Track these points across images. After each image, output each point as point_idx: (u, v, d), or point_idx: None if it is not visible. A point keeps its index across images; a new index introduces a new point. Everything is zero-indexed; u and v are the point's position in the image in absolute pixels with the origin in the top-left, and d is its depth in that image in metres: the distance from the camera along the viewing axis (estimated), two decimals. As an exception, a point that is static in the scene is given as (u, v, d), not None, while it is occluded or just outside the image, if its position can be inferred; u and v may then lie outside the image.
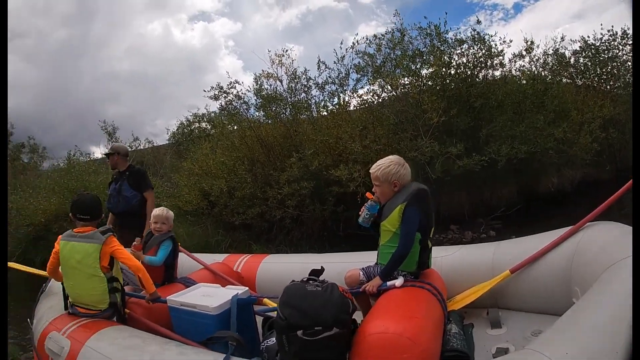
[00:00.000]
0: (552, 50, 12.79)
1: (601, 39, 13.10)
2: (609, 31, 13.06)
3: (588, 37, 13.29)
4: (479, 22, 9.68)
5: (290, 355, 2.56)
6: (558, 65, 12.84)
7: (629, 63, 12.87)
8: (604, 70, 13.05)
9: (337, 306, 2.60)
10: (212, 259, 5.23)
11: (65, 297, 3.75)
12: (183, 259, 4.92)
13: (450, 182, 8.68)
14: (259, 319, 3.65)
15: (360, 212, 3.35)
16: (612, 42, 13.08)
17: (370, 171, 3.26)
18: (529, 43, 10.38)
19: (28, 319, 4.30)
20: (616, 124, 11.57)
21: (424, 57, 9.32)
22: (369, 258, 3.61)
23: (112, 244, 3.50)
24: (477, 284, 3.46)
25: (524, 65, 11.19)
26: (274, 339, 2.97)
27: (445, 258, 3.72)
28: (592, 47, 13.12)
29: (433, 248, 3.37)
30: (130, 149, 18.31)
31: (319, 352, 2.49)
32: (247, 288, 3.65)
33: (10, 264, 5.04)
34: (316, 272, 2.99)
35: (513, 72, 10.55)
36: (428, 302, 2.89)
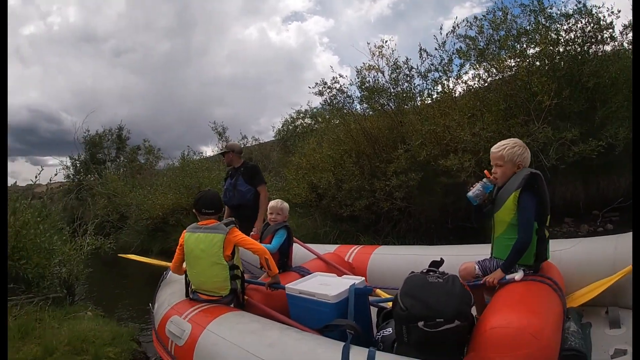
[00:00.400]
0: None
1: None
2: None
3: None
4: None
5: (409, 346, 2.62)
6: None
7: None
8: None
9: (459, 298, 2.63)
10: (324, 249, 5.38)
11: (187, 285, 4.02)
12: (296, 249, 5.12)
13: (564, 170, 8.22)
14: (373, 310, 3.70)
15: (471, 186, 3.30)
16: None
17: (493, 150, 3.25)
18: None
19: (150, 303, 4.63)
20: None
21: (529, 36, 8.82)
22: (480, 251, 3.58)
23: (235, 233, 3.87)
24: (597, 280, 3.33)
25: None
26: (390, 329, 3.03)
27: (563, 252, 3.61)
28: None
29: (554, 240, 3.28)
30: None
31: (439, 344, 2.54)
32: (363, 278, 3.76)
33: (129, 256, 5.43)
34: (436, 264, 3.02)
35: (626, 45, 9.79)
36: (549, 298, 2.83)
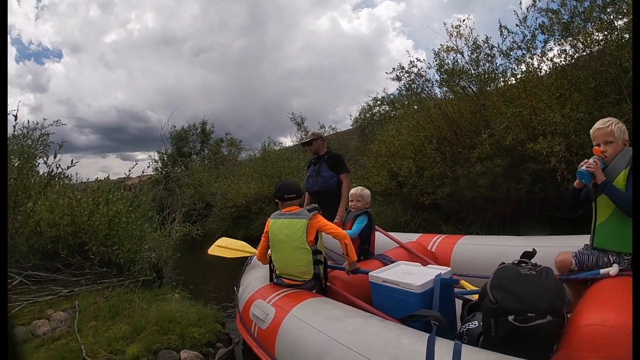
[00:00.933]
0: None
1: None
2: None
3: None
4: None
5: (497, 341, 2.48)
6: None
7: None
8: None
9: (553, 292, 2.48)
10: (406, 237, 5.34)
11: (272, 270, 4.08)
12: (378, 237, 5.09)
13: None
14: (457, 302, 3.59)
15: (584, 165, 3.02)
16: None
17: (600, 127, 3.05)
18: None
19: (235, 287, 4.72)
20: None
21: (616, 5, 8.18)
22: (574, 242, 3.35)
23: (318, 219, 3.96)
24: None
25: None
26: (476, 322, 2.90)
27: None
28: None
29: None
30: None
31: (528, 340, 2.39)
32: (449, 268, 3.64)
33: (218, 253, 5.57)
34: (528, 255, 2.87)
35: None
36: None
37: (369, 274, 3.75)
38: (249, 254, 5.54)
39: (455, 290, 3.67)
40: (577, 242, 3.27)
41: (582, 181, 3.00)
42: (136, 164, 7.84)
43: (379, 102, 19.58)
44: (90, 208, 6.73)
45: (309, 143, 6.22)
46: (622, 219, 2.81)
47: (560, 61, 8.67)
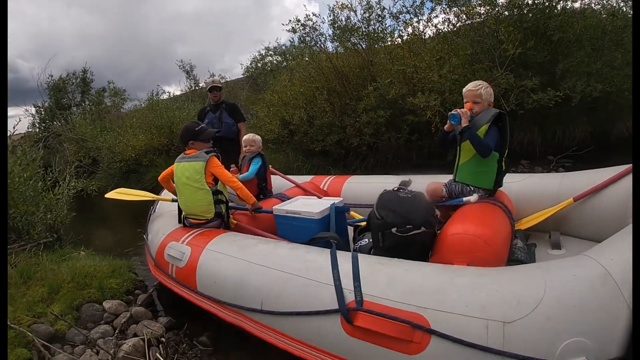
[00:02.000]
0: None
1: None
2: None
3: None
4: None
5: (384, 250, 3.10)
6: None
7: None
8: None
9: (425, 209, 3.14)
10: (301, 179, 5.76)
11: (180, 212, 4.40)
12: (275, 179, 5.50)
13: (523, 116, 8.76)
14: (349, 230, 4.11)
15: (446, 128, 3.75)
16: None
17: (470, 88, 3.68)
18: None
19: (144, 235, 4.92)
20: None
21: None
22: (444, 179, 4.01)
23: (214, 163, 4.17)
24: (543, 210, 3.87)
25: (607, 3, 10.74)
26: (365, 240, 3.50)
27: (515, 184, 4.13)
28: None
29: (508, 174, 3.81)
30: (205, 85, 19.28)
31: (408, 247, 3.01)
32: (341, 199, 4.22)
33: (115, 195, 5.46)
34: (405, 183, 3.51)
35: (593, 5, 10.17)
36: (500, 217, 3.31)
37: (273, 207, 4.17)
38: (150, 198, 5.56)
39: (348, 220, 4.27)
40: (444, 180, 3.95)
41: (452, 122, 3.61)
42: (19, 121, 7.20)
43: (270, 52, 19.74)
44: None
45: (219, 88, 6.43)
46: (479, 161, 3.54)
47: (444, 28, 9.57)
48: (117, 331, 3.56)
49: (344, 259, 2.76)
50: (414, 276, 2.45)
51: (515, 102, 8.30)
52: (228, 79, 21.50)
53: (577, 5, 9.40)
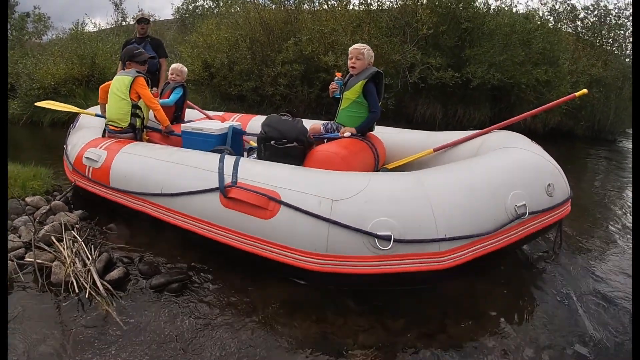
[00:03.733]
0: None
1: (615, 4, 13.85)
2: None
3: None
4: None
5: (265, 159, 3.84)
6: (566, 14, 13.43)
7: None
8: (610, 33, 13.57)
9: (299, 130, 3.90)
10: (212, 114, 6.30)
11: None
12: (190, 111, 6.07)
13: (427, 90, 9.74)
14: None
15: (331, 90, 4.46)
16: (624, 12, 13.46)
17: (356, 47, 4.28)
18: None
19: (64, 145, 5.16)
20: (602, 86, 12.25)
21: None
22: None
23: (139, 82, 4.66)
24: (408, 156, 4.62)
25: (528, 5, 11.83)
26: (253, 155, 4.16)
27: (391, 135, 4.87)
28: (604, 8, 13.51)
29: (386, 127, 4.76)
30: (133, 21, 18.81)
31: (284, 157, 3.70)
32: (240, 124, 4.88)
33: (43, 103, 5.79)
34: (289, 112, 4.21)
35: (515, 8, 11.16)
36: (363, 148, 4.09)
37: (182, 125, 4.76)
38: (75, 111, 5.89)
39: (245, 147, 4.98)
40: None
41: (337, 84, 4.38)
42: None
43: (203, -5, 19.54)
44: None
45: (147, 21, 6.58)
46: (354, 108, 4.26)
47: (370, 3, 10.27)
48: (37, 219, 3.96)
49: (230, 159, 3.40)
50: (276, 169, 3.19)
51: (418, 76, 9.15)
52: (157, 18, 21.06)
53: (496, 3, 10.40)
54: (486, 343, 2.48)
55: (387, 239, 2.53)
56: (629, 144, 12.76)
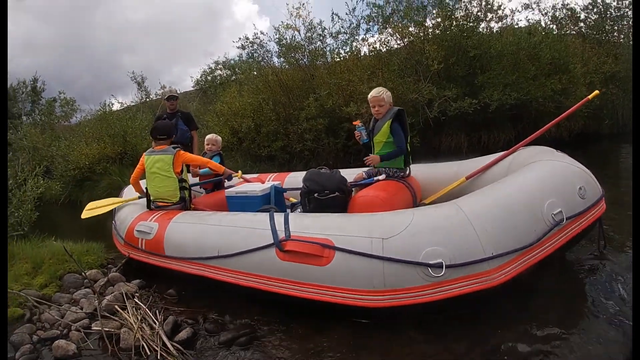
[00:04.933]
0: (561, 4, 13.65)
1: None
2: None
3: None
4: None
5: (309, 211, 4.18)
6: (567, 19, 13.72)
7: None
8: (613, 26, 14.02)
9: (338, 180, 4.24)
10: (249, 177, 6.61)
11: (148, 198, 5.18)
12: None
13: (448, 122, 9.99)
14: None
15: (357, 138, 4.78)
16: (622, 1, 13.97)
17: (375, 94, 4.60)
18: None
19: (113, 221, 5.44)
20: (618, 80, 12.62)
21: (427, 10, 10.50)
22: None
23: (182, 153, 5.05)
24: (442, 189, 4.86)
25: (529, 18, 12.15)
26: (298, 209, 4.50)
27: (422, 171, 5.14)
28: (602, 3, 14.01)
29: (417, 164, 4.97)
30: (157, 97, 19.38)
31: (328, 207, 4.06)
32: (280, 182, 5.38)
33: (91, 212, 5.80)
34: (326, 165, 4.54)
35: (521, 23, 11.52)
36: (400, 188, 4.43)
37: (225, 190, 5.18)
38: (119, 203, 5.87)
39: (287, 203, 5.27)
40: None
41: (359, 130, 4.74)
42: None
43: (220, 66, 20.45)
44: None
45: (176, 97, 7.13)
46: (388, 149, 4.49)
47: (378, 46, 10.75)
48: (98, 291, 4.19)
49: (278, 216, 3.69)
50: (325, 219, 3.47)
51: (438, 110, 9.45)
52: (178, 91, 21.50)
53: (497, 25, 10.73)
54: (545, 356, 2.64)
55: (439, 266, 2.75)
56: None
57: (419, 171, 5.08)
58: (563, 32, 12.60)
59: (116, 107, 19.23)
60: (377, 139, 4.58)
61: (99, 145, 13.43)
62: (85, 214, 5.78)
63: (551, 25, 13.29)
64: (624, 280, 3.43)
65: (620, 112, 13.22)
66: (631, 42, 13.64)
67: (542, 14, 13.35)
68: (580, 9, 14.10)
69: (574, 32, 13.68)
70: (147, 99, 21.22)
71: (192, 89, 21.98)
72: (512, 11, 11.11)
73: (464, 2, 10.43)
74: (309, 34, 11.45)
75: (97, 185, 12.71)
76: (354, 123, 4.83)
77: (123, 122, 14.14)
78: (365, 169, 5.00)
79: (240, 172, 5.80)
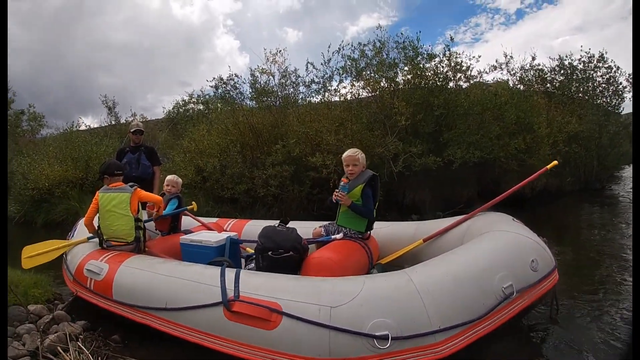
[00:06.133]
0: (529, 65, 14.16)
1: (579, 59, 14.71)
2: (587, 53, 14.69)
3: (566, 56, 14.86)
4: (452, 39, 11.68)
5: (263, 269, 4.15)
6: (535, 80, 14.24)
7: (603, 85, 14.72)
8: (578, 87, 14.58)
9: (293, 239, 4.25)
10: (208, 220, 6.59)
11: (100, 237, 5.12)
12: (186, 220, 6.31)
13: (412, 177, 10.15)
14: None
15: (334, 195, 4.69)
16: (589, 64, 14.61)
17: (351, 154, 4.68)
18: (507, 58, 12.28)
19: (64, 255, 5.33)
20: (581, 139, 13.03)
21: (399, 67, 10.80)
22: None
23: (139, 192, 5.06)
24: (400, 249, 4.95)
25: (499, 78, 12.60)
26: (252, 264, 4.48)
27: (381, 229, 5.24)
28: (569, 65, 14.63)
29: (378, 222, 4.93)
30: (126, 122, 19.24)
31: (281, 267, 4.04)
32: (236, 233, 5.20)
33: (35, 261, 5.33)
34: (284, 221, 4.56)
35: (490, 81, 11.88)
36: (356, 249, 4.45)
37: (181, 237, 5.15)
38: (65, 249, 5.49)
39: (242, 253, 5.28)
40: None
41: (344, 191, 4.71)
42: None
43: (193, 100, 20.53)
44: None
45: (142, 132, 7.09)
46: (352, 213, 4.58)
47: (349, 97, 11.03)
48: (41, 328, 4.11)
49: (230, 272, 3.68)
50: (276, 280, 3.47)
51: (403, 165, 9.62)
52: (148, 119, 22.02)
53: (465, 85, 11.03)
54: None
55: (385, 338, 2.77)
56: (617, 187, 13.32)
57: (379, 229, 5.16)
58: (529, 92, 12.99)
59: (82, 127, 19.38)
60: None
61: (61, 168, 13.16)
62: (26, 263, 5.29)
63: (518, 85, 13.73)
64: (577, 346, 3.58)
65: (582, 169, 13.68)
66: (596, 101, 14.63)
67: (511, 74, 13.78)
68: (548, 69, 14.61)
69: (541, 90, 14.14)
70: (116, 124, 21.15)
71: (162, 117, 22.04)
72: (480, 72, 11.17)
73: (434, 62, 10.71)
74: (283, 80, 11.74)
75: (54, 208, 12.44)
76: (343, 180, 4.80)
77: (88, 147, 14.02)
78: (324, 223, 5.06)
79: (194, 203, 6.00)
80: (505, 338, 3.48)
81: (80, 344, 3.76)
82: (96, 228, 5.18)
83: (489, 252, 3.48)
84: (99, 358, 3.60)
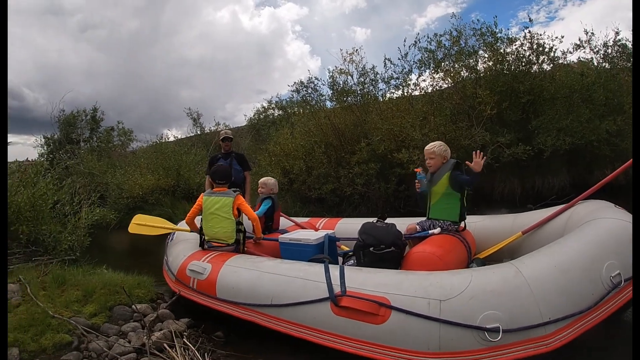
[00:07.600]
0: (612, 41, 13.29)
1: None
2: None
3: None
4: (530, 20, 11.32)
5: (364, 265, 4.18)
6: (619, 56, 13.35)
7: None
8: None
9: (394, 234, 4.25)
10: (300, 220, 6.68)
11: (202, 237, 5.35)
12: (281, 220, 6.43)
13: (501, 169, 9.82)
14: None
15: (417, 187, 4.87)
16: None
17: (427, 148, 4.75)
18: (588, 35, 11.32)
19: (164, 257, 5.67)
20: None
21: (479, 54, 10.48)
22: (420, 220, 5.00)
23: (240, 199, 5.23)
24: (498, 242, 4.84)
25: (582, 58, 11.89)
26: (351, 261, 4.54)
27: (477, 223, 5.18)
28: None
29: (471, 215, 4.96)
30: (210, 131, 19.85)
31: (382, 262, 4.08)
32: (334, 231, 5.38)
33: (140, 230, 6.00)
34: (382, 217, 4.57)
35: (572, 63, 11.18)
36: (455, 244, 4.39)
37: (280, 236, 5.26)
38: (169, 230, 6.16)
39: (338, 251, 5.30)
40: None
41: (419, 178, 4.86)
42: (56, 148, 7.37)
43: (272, 106, 21.04)
44: (16, 189, 6.74)
45: (230, 139, 7.28)
46: (445, 200, 4.61)
47: (430, 89, 10.85)
48: (147, 325, 4.33)
49: (333, 268, 3.75)
50: (382, 275, 3.48)
51: (491, 157, 9.31)
52: (231, 127, 22.42)
53: (547, 67, 10.51)
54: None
55: (495, 330, 2.74)
56: None
57: (473, 223, 5.11)
58: (615, 70, 12.14)
59: (171, 138, 20.10)
60: (436, 189, 4.69)
61: (153, 177, 13.91)
62: (133, 228, 5.98)
63: (603, 64, 12.93)
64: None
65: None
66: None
67: (594, 52, 12.99)
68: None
69: (628, 67, 13.25)
70: (201, 134, 21.96)
71: (244, 125, 22.61)
72: (564, 52, 10.57)
73: (515, 45, 10.30)
74: (362, 79, 11.70)
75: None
76: (416, 170, 4.94)
77: (177, 157, 14.69)
78: (418, 219, 5.03)
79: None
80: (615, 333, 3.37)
81: (185, 340, 3.93)
82: (198, 227, 5.40)
83: (595, 241, 3.36)
84: (205, 354, 3.73)
